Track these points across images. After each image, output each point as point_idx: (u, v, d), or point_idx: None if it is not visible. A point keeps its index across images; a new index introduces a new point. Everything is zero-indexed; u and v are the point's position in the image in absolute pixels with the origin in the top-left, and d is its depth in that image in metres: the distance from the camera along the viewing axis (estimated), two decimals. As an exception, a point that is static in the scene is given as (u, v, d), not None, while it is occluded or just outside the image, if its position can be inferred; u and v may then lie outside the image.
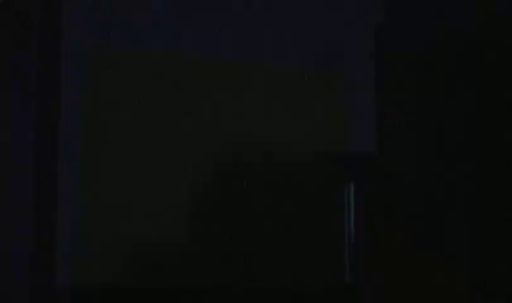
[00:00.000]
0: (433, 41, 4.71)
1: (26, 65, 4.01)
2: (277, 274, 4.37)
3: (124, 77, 4.17)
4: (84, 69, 4.10)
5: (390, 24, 4.81)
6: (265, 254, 4.36)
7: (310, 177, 4.48)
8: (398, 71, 4.77)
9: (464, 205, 4.52)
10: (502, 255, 4.41)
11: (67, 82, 4.06)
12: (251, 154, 4.39)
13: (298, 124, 4.51)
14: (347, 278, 4.45)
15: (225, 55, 4.41)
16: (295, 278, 4.40)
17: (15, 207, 3.95)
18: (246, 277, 4.31)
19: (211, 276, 4.24)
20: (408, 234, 4.51)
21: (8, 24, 4.01)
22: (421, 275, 4.49)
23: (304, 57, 4.59)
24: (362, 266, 4.45)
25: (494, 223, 4.44)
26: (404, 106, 4.74)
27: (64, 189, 4.01)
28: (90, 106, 4.09)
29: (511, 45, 4.48)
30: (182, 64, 4.31)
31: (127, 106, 4.17)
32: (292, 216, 4.43)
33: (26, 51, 4.03)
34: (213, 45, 4.39)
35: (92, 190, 4.05)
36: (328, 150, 4.55)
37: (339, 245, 4.50)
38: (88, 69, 4.10)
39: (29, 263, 3.94)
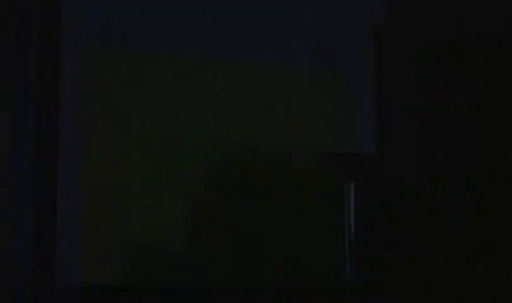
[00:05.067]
0: (434, 41, 4.71)
1: (26, 65, 4.01)
2: (277, 274, 4.37)
3: (124, 77, 4.17)
4: (84, 69, 4.09)
5: (390, 24, 4.81)
6: (265, 254, 4.36)
7: (310, 177, 4.48)
8: (398, 71, 4.77)
9: (464, 205, 4.52)
10: (503, 256, 4.41)
11: (67, 82, 4.06)
12: (250, 154, 4.39)
13: (298, 124, 4.51)
14: (347, 278, 4.45)
15: (225, 55, 4.41)
16: (295, 278, 4.40)
17: (15, 207, 3.95)
18: (247, 277, 4.31)
19: (211, 276, 4.24)
20: (408, 233, 4.51)
21: (8, 24, 4.01)
22: (421, 275, 4.49)
23: (304, 57, 4.58)
24: (362, 266, 4.45)
25: (495, 222, 4.44)
26: (404, 106, 4.74)
27: (64, 189, 4.00)
28: (90, 106, 4.09)
29: (510, 44, 4.48)
30: (182, 64, 4.31)
31: (127, 107, 4.17)
32: (292, 216, 4.43)
33: (26, 51, 4.03)
34: (213, 45, 4.39)
35: (92, 190, 4.05)
36: (328, 150, 4.55)
37: (339, 245, 4.50)
38: (88, 69, 4.10)
39: (29, 263, 3.94)
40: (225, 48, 4.41)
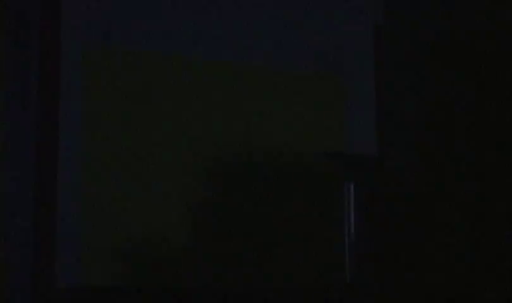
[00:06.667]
0: (433, 41, 4.71)
1: (26, 65, 4.01)
2: (276, 274, 4.37)
3: (124, 78, 4.18)
4: (84, 69, 4.10)
5: (390, 24, 4.82)
6: (265, 254, 4.36)
7: (310, 177, 4.48)
8: (398, 71, 4.78)
9: (464, 205, 4.52)
10: (502, 256, 4.41)
11: (67, 82, 4.06)
12: (250, 154, 4.40)
13: (298, 124, 4.52)
14: (347, 278, 4.45)
15: (225, 56, 4.41)
16: (295, 278, 4.40)
17: (15, 207, 3.95)
18: (246, 277, 4.31)
19: (211, 276, 4.24)
20: (408, 233, 4.51)
21: (8, 24, 4.01)
22: (421, 275, 4.49)
23: (304, 58, 4.59)
24: (362, 266, 4.45)
25: (494, 223, 4.44)
26: (404, 106, 4.74)
27: (64, 189, 4.01)
28: (90, 106, 4.09)
29: (510, 45, 4.48)
30: (182, 64, 4.31)
31: (127, 107, 4.17)
32: (292, 216, 4.43)
33: (26, 51, 4.03)
34: (213, 45, 4.39)
35: (92, 190, 4.05)
36: (328, 150, 4.55)
37: (339, 245, 4.50)
38: (88, 69, 4.10)
39: (29, 263, 3.94)
40: (226, 49, 4.42)
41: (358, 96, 4.70)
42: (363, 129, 4.68)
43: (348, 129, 4.64)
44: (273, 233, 4.39)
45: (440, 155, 4.60)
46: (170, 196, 4.20)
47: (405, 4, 4.82)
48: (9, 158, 3.96)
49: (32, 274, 3.94)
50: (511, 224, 4.40)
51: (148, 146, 4.20)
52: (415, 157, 4.65)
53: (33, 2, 4.04)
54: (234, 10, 4.46)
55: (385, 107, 4.76)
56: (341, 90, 4.66)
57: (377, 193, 4.49)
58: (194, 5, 4.37)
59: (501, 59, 4.52)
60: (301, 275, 4.42)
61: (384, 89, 4.77)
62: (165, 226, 4.17)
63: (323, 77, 4.62)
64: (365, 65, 4.75)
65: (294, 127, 4.50)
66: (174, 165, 4.23)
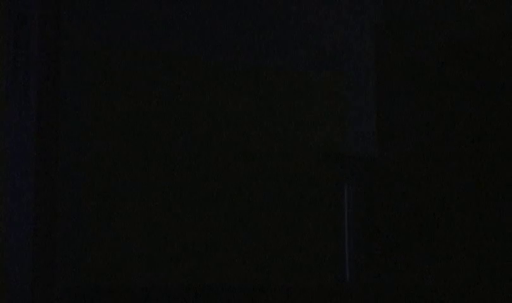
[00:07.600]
0: (433, 41, 4.71)
1: (26, 65, 4.01)
2: (277, 273, 4.37)
3: (124, 77, 4.18)
4: (84, 69, 4.10)
5: (390, 24, 4.82)
6: (266, 253, 4.37)
7: (310, 177, 4.49)
8: (398, 71, 4.78)
9: (463, 204, 4.52)
10: (501, 254, 4.41)
11: (67, 82, 4.06)
12: (251, 154, 4.40)
13: (298, 123, 4.52)
14: (347, 278, 4.45)
15: (225, 56, 4.42)
16: (295, 278, 4.41)
17: (15, 207, 3.96)
18: (247, 276, 4.31)
19: (211, 276, 4.24)
20: (408, 233, 4.51)
21: (8, 24, 4.01)
22: (421, 275, 4.49)
23: (305, 57, 4.59)
24: (362, 266, 4.45)
25: (493, 222, 4.44)
26: (404, 106, 4.74)
27: (64, 189, 4.01)
28: (90, 106, 4.09)
29: (509, 45, 4.48)
30: (182, 64, 4.31)
31: (127, 107, 4.17)
32: (292, 215, 4.44)
33: (26, 51, 4.03)
34: (214, 45, 4.39)
35: (92, 190, 4.05)
36: (328, 150, 4.55)
37: (339, 245, 4.50)
38: (88, 69, 4.10)
39: (29, 263, 3.95)
40: (226, 49, 4.42)
41: (358, 96, 4.70)
42: (363, 129, 4.68)
43: (348, 129, 4.64)
44: (273, 233, 4.39)
45: (440, 155, 4.61)
46: (170, 195, 4.20)
47: (405, 3, 4.82)
48: (9, 158, 3.96)
49: (32, 274, 3.94)
50: (511, 224, 4.40)
51: (148, 145, 4.20)
52: (415, 157, 4.65)
53: (33, 2, 4.04)
54: (234, 10, 4.46)
55: (385, 107, 4.77)
56: (341, 90, 4.66)
57: (377, 193, 4.49)
58: (194, 5, 4.37)
59: (501, 59, 4.52)
60: (300, 274, 4.42)
61: (383, 89, 4.77)
62: (165, 225, 4.17)
63: (323, 77, 4.62)
64: (365, 65, 4.75)
65: (295, 127, 4.50)
66: (174, 164, 4.23)
